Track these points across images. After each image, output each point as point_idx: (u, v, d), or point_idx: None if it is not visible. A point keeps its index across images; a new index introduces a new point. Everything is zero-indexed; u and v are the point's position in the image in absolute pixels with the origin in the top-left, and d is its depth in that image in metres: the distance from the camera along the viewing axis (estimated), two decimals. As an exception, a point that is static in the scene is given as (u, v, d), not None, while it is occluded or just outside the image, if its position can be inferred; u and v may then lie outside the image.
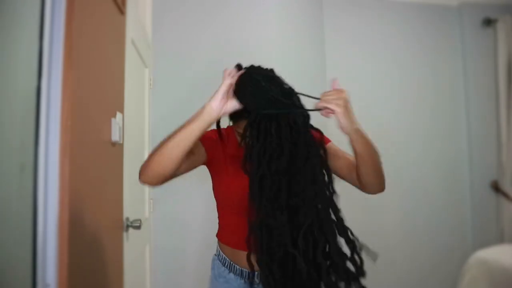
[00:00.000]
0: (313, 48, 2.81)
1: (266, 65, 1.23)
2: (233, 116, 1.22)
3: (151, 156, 1.07)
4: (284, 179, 1.03)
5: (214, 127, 1.27)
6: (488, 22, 3.21)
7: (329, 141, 1.28)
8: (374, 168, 1.11)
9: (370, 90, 3.10)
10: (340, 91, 1.06)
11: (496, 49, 3.18)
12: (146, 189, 2.07)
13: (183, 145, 1.06)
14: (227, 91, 1.07)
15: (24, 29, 0.95)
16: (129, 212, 1.58)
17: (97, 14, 1.22)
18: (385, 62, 3.14)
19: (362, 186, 1.16)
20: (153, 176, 1.07)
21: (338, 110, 1.03)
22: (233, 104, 1.08)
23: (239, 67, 1.18)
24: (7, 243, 0.90)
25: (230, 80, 1.07)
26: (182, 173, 1.14)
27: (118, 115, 1.43)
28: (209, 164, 1.26)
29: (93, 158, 1.17)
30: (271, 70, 1.18)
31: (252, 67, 1.17)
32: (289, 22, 2.57)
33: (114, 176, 1.43)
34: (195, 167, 1.20)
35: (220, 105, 1.07)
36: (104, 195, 1.30)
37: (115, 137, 1.36)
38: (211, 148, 1.24)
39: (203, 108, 1.08)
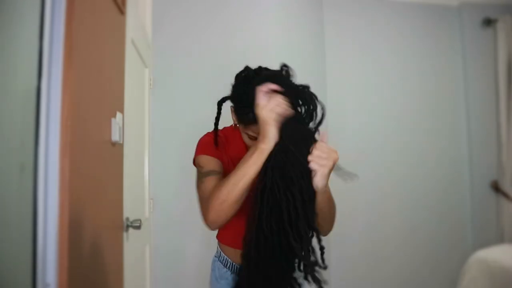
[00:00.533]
0: (313, 48, 2.80)
1: (265, 65, 1.22)
2: (244, 120, 1.16)
3: (220, 206, 1.06)
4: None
5: (210, 129, 1.27)
6: (488, 22, 3.21)
7: None
8: (326, 220, 1.14)
9: (370, 89, 3.10)
10: (333, 151, 1.04)
11: (496, 49, 3.18)
12: (146, 189, 2.07)
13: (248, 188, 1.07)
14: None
15: (24, 29, 0.95)
16: (129, 212, 1.58)
17: (97, 14, 1.22)
18: (385, 62, 3.14)
19: None
20: (224, 221, 1.08)
21: (322, 170, 1.03)
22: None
23: (247, 69, 1.16)
24: (7, 243, 0.90)
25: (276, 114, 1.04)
26: None
27: (118, 115, 1.43)
28: None
29: (93, 158, 1.17)
30: (289, 79, 1.14)
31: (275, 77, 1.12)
32: (289, 22, 2.57)
33: (114, 176, 1.43)
34: None
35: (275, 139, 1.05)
36: (104, 195, 1.30)
37: (115, 137, 1.36)
38: (219, 155, 1.24)
39: (261, 149, 1.05)
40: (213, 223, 1.07)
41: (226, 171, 1.22)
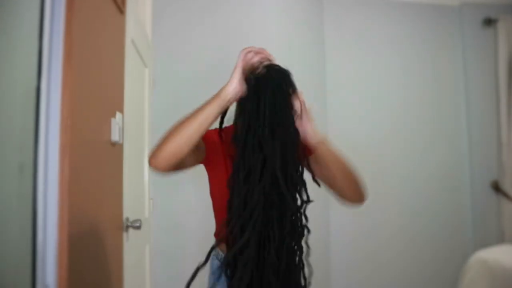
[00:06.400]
0: (313, 48, 2.80)
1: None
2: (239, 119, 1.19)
3: (166, 139, 1.07)
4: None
5: (215, 126, 1.27)
6: (489, 22, 3.21)
7: None
8: (345, 179, 1.20)
9: (370, 89, 3.10)
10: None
11: (497, 49, 3.18)
12: (146, 189, 2.07)
13: (198, 129, 1.08)
14: (242, 75, 1.11)
15: (24, 29, 0.95)
16: (129, 212, 1.58)
17: (97, 14, 1.22)
18: (385, 62, 3.13)
19: (339, 196, 1.25)
20: (165, 158, 1.06)
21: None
22: (244, 89, 1.11)
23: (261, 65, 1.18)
24: (7, 244, 0.90)
25: (243, 64, 1.11)
26: (185, 167, 1.18)
27: (118, 115, 1.43)
28: (206, 163, 1.26)
29: (93, 158, 1.17)
30: (289, 75, 1.23)
31: (272, 70, 1.18)
32: (289, 22, 2.57)
33: (114, 176, 1.43)
34: (197, 162, 1.23)
35: (236, 90, 1.10)
36: (104, 195, 1.30)
37: (115, 137, 1.36)
38: (211, 149, 1.24)
39: (219, 92, 1.11)
40: (156, 157, 1.05)
41: (221, 169, 1.23)
